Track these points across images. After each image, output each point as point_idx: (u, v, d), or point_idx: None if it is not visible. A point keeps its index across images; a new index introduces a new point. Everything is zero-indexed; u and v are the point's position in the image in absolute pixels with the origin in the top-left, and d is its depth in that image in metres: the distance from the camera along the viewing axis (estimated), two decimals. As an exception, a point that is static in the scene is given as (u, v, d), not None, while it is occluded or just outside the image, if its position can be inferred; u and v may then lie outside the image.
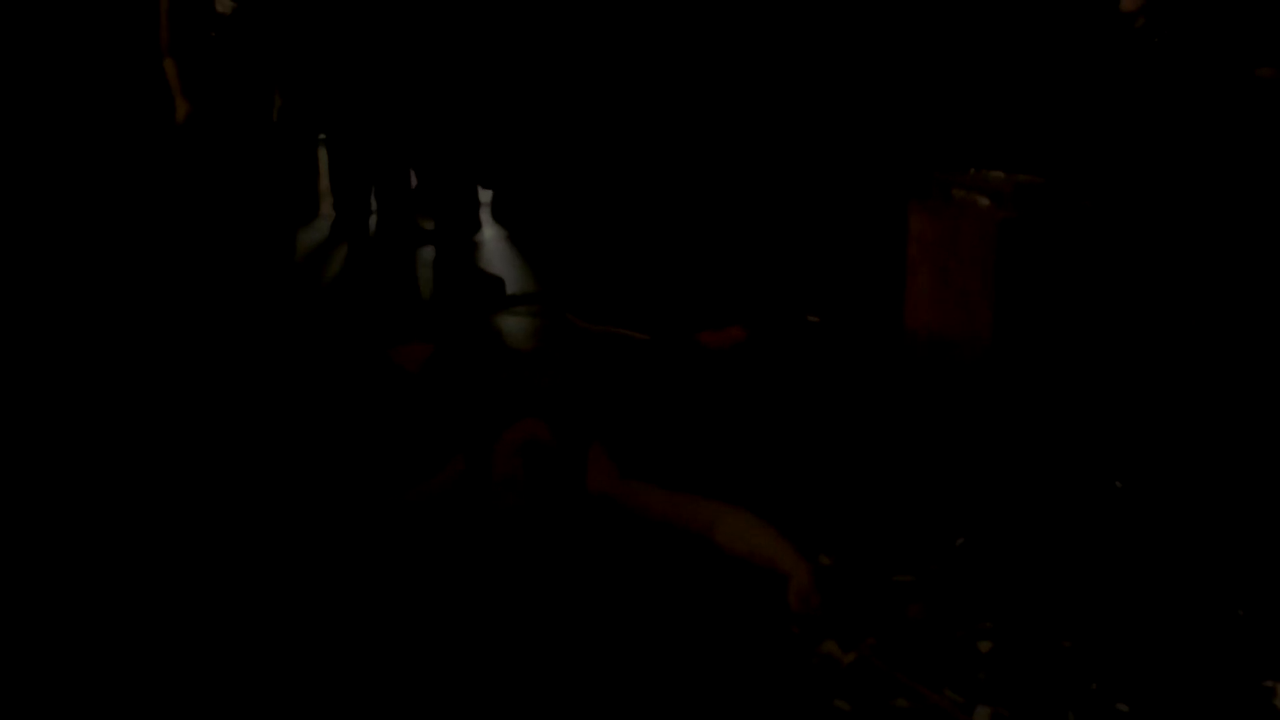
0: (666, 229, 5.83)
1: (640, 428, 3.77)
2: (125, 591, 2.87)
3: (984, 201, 4.57)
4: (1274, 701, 2.44)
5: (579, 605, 2.81)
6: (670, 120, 5.91)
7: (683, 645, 2.66)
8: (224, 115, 5.06)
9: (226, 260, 5.21)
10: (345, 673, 2.56)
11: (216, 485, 3.41)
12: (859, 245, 5.33)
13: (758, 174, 5.74)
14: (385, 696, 2.49)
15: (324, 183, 6.72)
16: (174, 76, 4.99)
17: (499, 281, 5.52)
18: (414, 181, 5.88)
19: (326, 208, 6.69)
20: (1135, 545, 3.08)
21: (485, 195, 7.05)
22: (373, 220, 6.04)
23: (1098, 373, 4.28)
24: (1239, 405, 4.00)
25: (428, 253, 5.77)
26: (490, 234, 6.77)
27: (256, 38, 5.08)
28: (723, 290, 5.21)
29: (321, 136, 6.45)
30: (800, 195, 5.61)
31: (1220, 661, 2.58)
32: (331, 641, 2.67)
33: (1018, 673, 2.55)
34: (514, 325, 5.10)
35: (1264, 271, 4.59)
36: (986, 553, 3.05)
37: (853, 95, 5.59)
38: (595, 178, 6.21)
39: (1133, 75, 4.73)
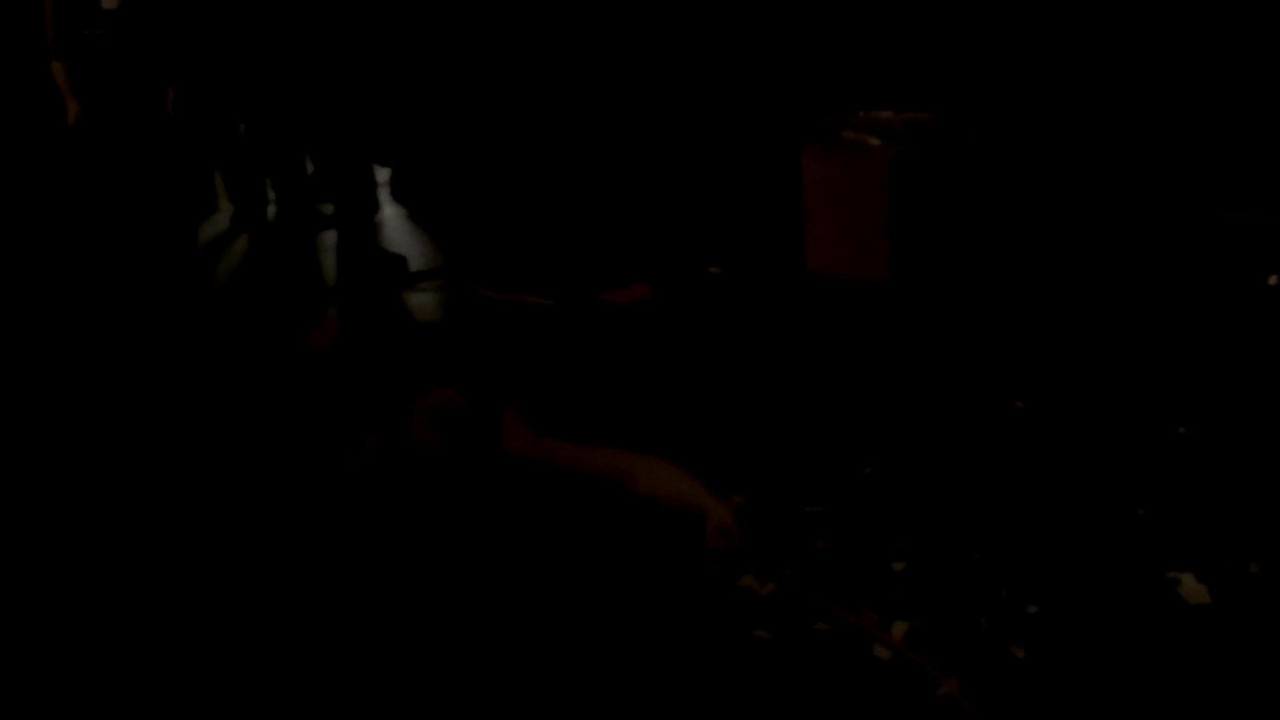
0: (560, 194, 5.85)
1: (552, 388, 3.80)
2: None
3: (875, 141, 4.64)
4: (1178, 591, 2.52)
5: (503, 560, 2.83)
6: (555, 87, 5.92)
7: (604, 590, 2.69)
8: (117, 112, 4.99)
9: (127, 257, 5.15)
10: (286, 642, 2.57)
11: (137, 480, 3.40)
12: (756, 193, 5.38)
13: (647, 131, 5.77)
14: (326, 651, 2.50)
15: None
16: (63, 78, 4.91)
17: (402, 260, 5.51)
18: (309, 168, 5.85)
19: (225, 201, 6.62)
20: (1038, 460, 3.16)
21: (383, 175, 7.01)
22: (271, 209, 6.01)
23: (995, 300, 4.36)
24: (1127, 323, 4.10)
25: (330, 237, 5.75)
26: (390, 213, 6.75)
27: (146, 32, 5.01)
28: (624, 249, 5.24)
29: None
30: (692, 149, 5.64)
31: (1124, 559, 2.66)
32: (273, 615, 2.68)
33: (931, 587, 2.61)
34: (421, 301, 5.10)
35: (1142, 193, 4.71)
36: (895, 478, 3.11)
37: (734, 45, 5.63)
38: (489, 150, 6.20)
39: (1011, 7, 4.82)
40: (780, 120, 5.29)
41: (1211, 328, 3.92)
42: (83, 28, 4.91)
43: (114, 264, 5.15)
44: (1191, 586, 2.55)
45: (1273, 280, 4.09)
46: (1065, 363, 3.76)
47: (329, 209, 5.96)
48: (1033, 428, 3.34)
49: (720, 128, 5.60)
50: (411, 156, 6.79)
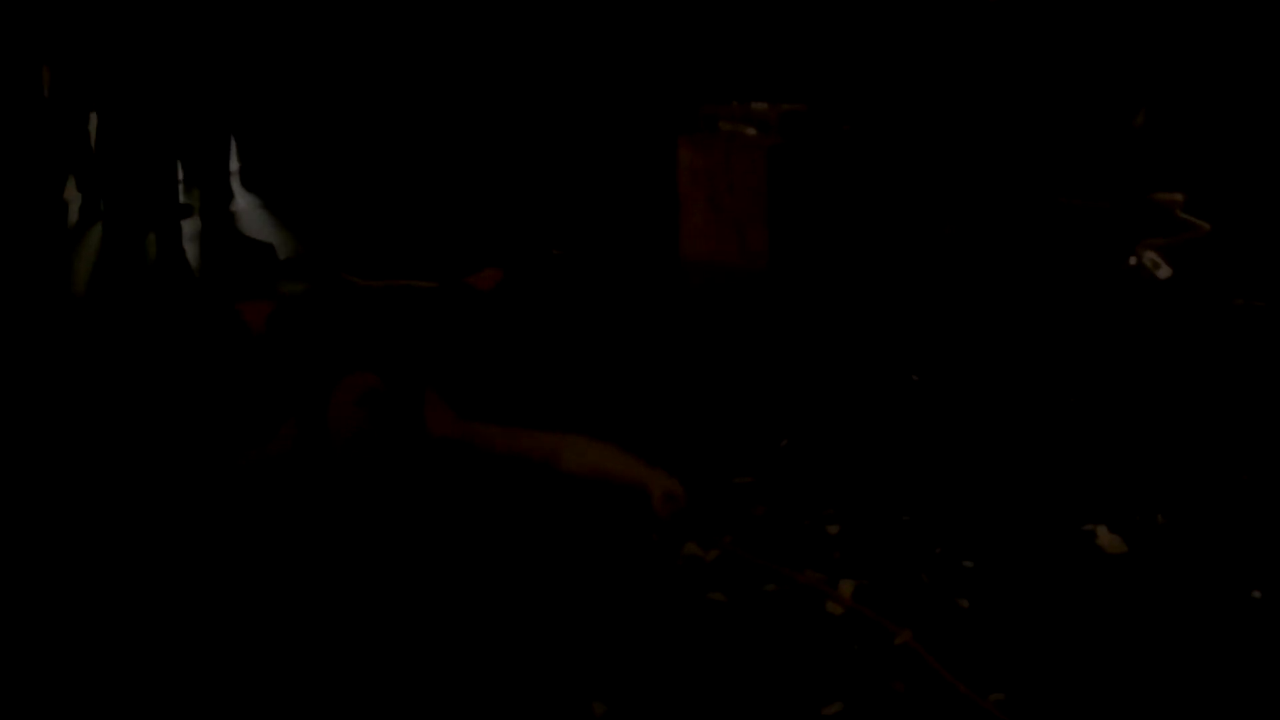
0: (420, 179, 5.84)
1: (457, 371, 3.83)
2: None
3: (751, 131, 4.80)
4: (1096, 543, 2.74)
5: (439, 545, 2.88)
6: (414, 68, 5.94)
7: (549, 570, 2.76)
8: None
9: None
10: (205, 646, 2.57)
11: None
12: (628, 181, 5.48)
13: (512, 115, 5.82)
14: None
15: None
16: None
17: (270, 247, 5.46)
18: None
19: (71, 190, 6.44)
20: (942, 427, 3.35)
21: (233, 164, 6.90)
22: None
23: (871, 284, 4.56)
24: (995, 302, 4.34)
25: (189, 226, 5.65)
26: (244, 203, 6.66)
27: (19, 13, 4.87)
28: (477, 233, 5.26)
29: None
30: (561, 136, 5.72)
31: (1044, 513, 2.86)
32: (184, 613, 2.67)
33: (868, 548, 2.77)
34: (295, 289, 5.06)
35: (1004, 182, 4.97)
36: (811, 449, 3.26)
37: (612, 32, 5.73)
38: (347, 133, 6.17)
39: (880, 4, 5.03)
40: (656, 109, 5.41)
41: (1078, 306, 4.19)
42: None
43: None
44: (1107, 537, 2.76)
45: (1132, 262, 4.39)
46: (943, 341, 3.97)
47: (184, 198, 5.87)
48: (930, 398, 3.54)
49: (594, 115, 5.70)
50: (271, 144, 6.71)
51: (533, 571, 2.72)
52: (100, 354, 4.34)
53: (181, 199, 5.92)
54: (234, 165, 6.87)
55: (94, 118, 5.72)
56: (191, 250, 5.48)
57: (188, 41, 4.95)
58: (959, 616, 2.51)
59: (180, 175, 5.82)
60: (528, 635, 2.50)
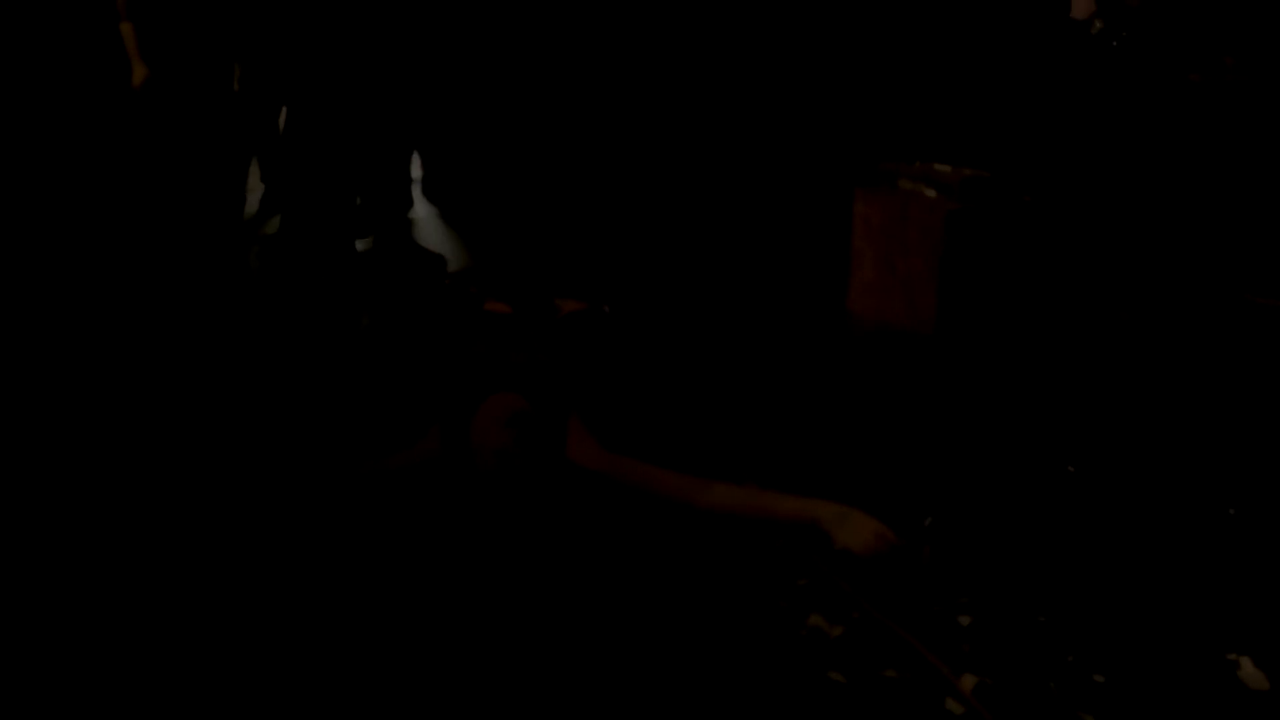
0: (589, 203, 5.89)
1: (607, 400, 3.85)
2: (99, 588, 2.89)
3: (930, 193, 4.74)
4: (1237, 674, 2.63)
5: (556, 578, 2.90)
6: (611, 100, 6.00)
7: (672, 624, 2.77)
8: (183, 82, 5.04)
9: (171, 231, 5.19)
10: (331, 655, 2.63)
11: (196, 472, 3.43)
12: (802, 229, 5.47)
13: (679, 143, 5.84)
14: (373, 681, 2.57)
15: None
16: (131, 40, 4.94)
17: (441, 259, 5.57)
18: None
19: (254, 179, 6.67)
20: (1094, 526, 3.26)
21: (416, 172, 7.07)
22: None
23: (1039, 362, 4.46)
24: (1172, 396, 4.21)
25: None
26: (422, 211, 6.81)
27: (218, 3, 5.07)
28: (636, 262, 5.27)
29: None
30: (739, 179, 5.73)
31: (1187, 635, 2.76)
32: (320, 626, 2.74)
33: (998, 645, 2.71)
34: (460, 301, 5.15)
35: (1195, 262, 4.82)
36: (955, 531, 3.20)
37: (800, 84, 5.72)
38: (523, 151, 6.26)
39: (1078, 77, 4.93)
40: (835, 160, 5.39)
41: (1256, 410, 4.04)
42: None
43: (157, 237, 5.19)
44: (1250, 671, 2.65)
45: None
46: (1111, 431, 3.87)
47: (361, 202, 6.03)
48: (1085, 492, 3.44)
49: (774, 159, 5.71)
50: (448, 152, 6.86)
51: (648, 629, 2.73)
52: (260, 341, 4.49)
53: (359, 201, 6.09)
54: (416, 174, 7.05)
55: (284, 113, 5.93)
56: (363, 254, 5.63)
57: (373, 46, 5.08)
58: (1083, 732, 2.44)
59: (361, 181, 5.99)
60: (632, 701, 2.51)
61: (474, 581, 2.87)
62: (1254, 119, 5.46)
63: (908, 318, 4.69)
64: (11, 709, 2.44)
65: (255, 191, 6.61)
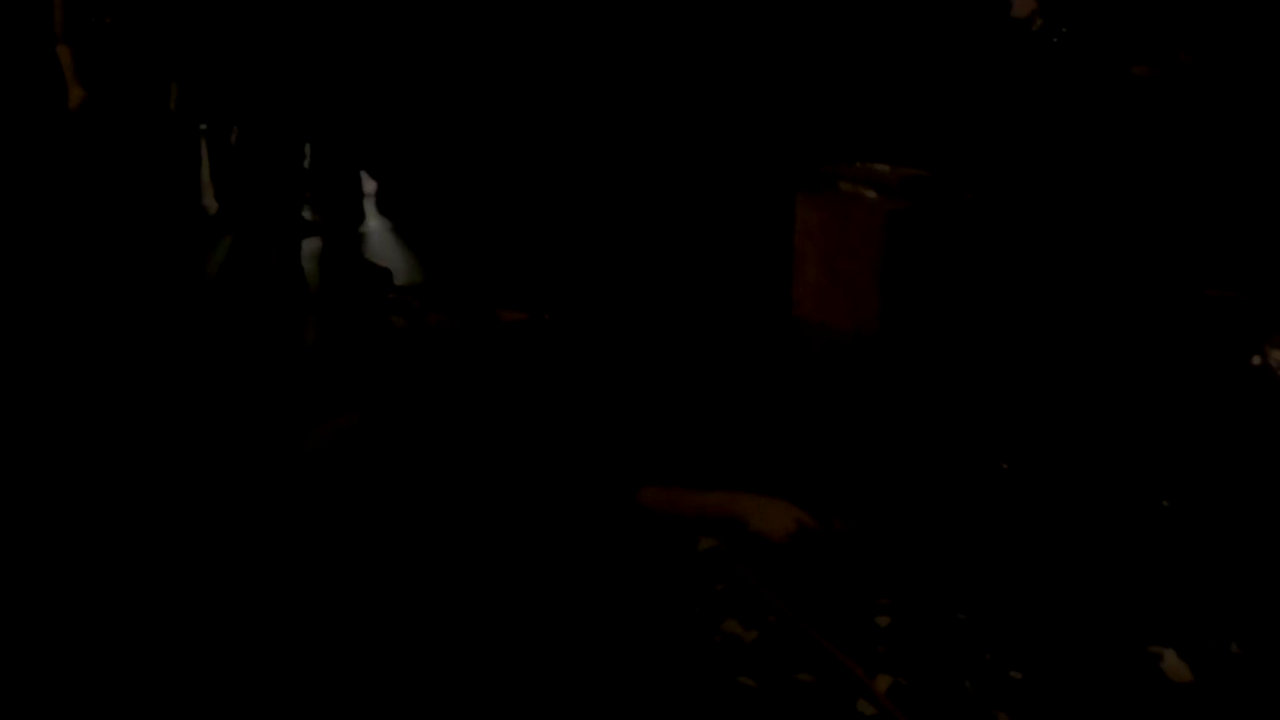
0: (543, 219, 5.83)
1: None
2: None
3: (871, 194, 4.67)
4: (1160, 667, 2.54)
5: (480, 583, 2.81)
6: (553, 111, 5.94)
7: (583, 633, 2.68)
8: (120, 103, 4.96)
9: (116, 250, 5.12)
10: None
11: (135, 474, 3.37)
12: (742, 236, 5.40)
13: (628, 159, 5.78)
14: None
15: (204, 174, 6.61)
16: (68, 62, 4.87)
17: (387, 272, 5.49)
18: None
19: (208, 199, 6.59)
20: (1023, 523, 3.17)
21: (369, 186, 7.00)
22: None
23: (982, 360, 4.38)
24: (1113, 392, 4.13)
25: (312, 244, 5.73)
26: (375, 225, 6.73)
27: (155, 24, 4.98)
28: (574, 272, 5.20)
29: (204, 127, 6.33)
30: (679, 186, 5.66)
31: (1108, 630, 2.68)
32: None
33: (916, 645, 2.62)
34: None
35: (1132, 265, 4.76)
36: (877, 532, 3.12)
37: (735, 89, 5.66)
38: (475, 167, 6.20)
39: (1020, 73, 4.87)
40: (777, 165, 5.32)
41: (1195, 402, 3.96)
42: (91, 14, 4.88)
43: (102, 256, 5.11)
44: (1173, 663, 2.57)
45: (1256, 360, 4.14)
46: (1050, 427, 3.79)
47: (312, 216, 5.96)
48: (1017, 491, 3.36)
49: (718, 167, 5.64)
50: (399, 168, 6.79)
51: (559, 636, 2.65)
52: (209, 350, 4.43)
53: (310, 217, 6.03)
54: (370, 188, 6.98)
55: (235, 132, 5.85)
56: (312, 267, 5.56)
57: (320, 62, 5.01)
58: (996, 732, 2.35)
59: (310, 195, 5.93)
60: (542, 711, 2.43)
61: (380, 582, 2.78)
62: (1209, 114, 5.41)
63: (851, 319, 4.62)
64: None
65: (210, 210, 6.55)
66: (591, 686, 2.48)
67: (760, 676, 2.51)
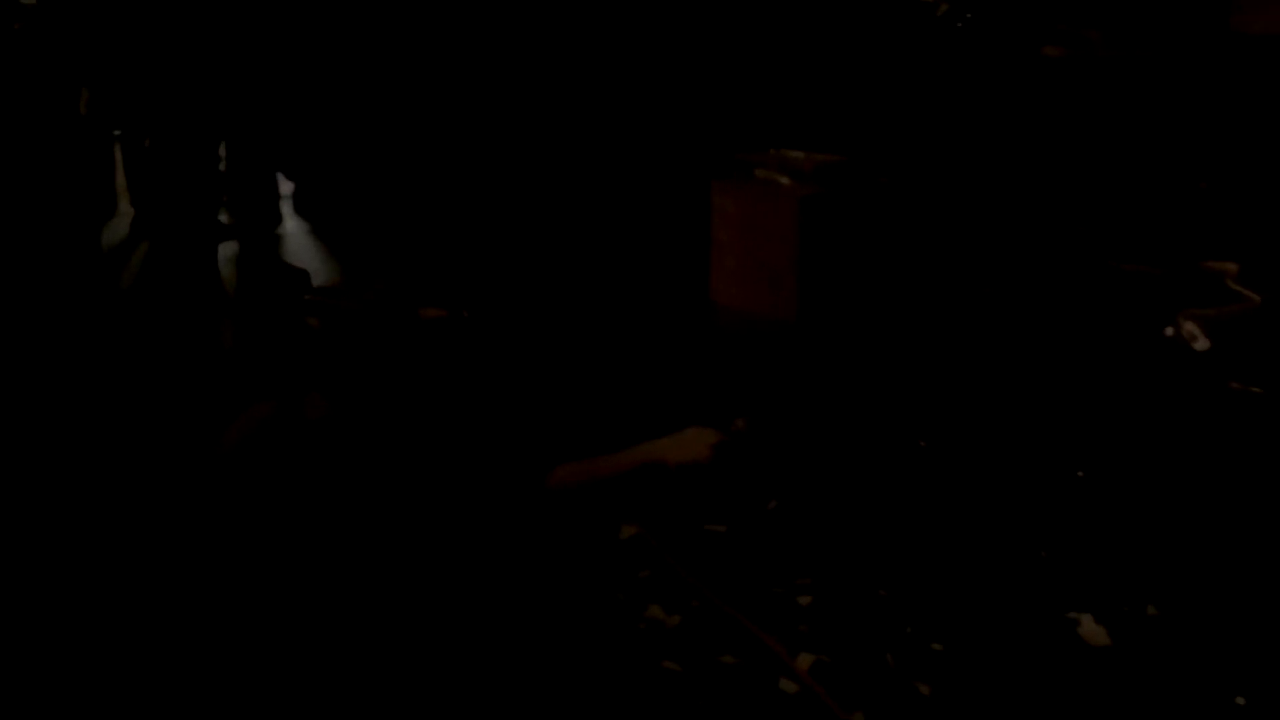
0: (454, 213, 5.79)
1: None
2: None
3: (785, 180, 4.67)
4: (1078, 632, 2.56)
5: (405, 575, 2.78)
6: (468, 108, 5.90)
7: (508, 622, 2.66)
8: (29, 108, 4.86)
9: (28, 254, 5.01)
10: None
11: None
12: (660, 224, 5.39)
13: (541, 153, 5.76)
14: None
15: (120, 179, 6.50)
16: None
17: (304, 274, 5.42)
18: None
19: (124, 205, 6.48)
20: (941, 499, 3.19)
21: (286, 188, 6.90)
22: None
23: (899, 341, 4.40)
24: (1029, 367, 4.17)
25: (229, 247, 5.65)
26: (292, 226, 6.64)
27: (63, 30, 4.88)
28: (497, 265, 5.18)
29: (118, 132, 6.22)
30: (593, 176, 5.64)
31: (1026, 598, 2.70)
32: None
33: (837, 623, 2.62)
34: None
35: (1046, 243, 4.80)
36: (801, 512, 3.12)
37: (648, 77, 5.65)
38: (388, 167, 6.15)
39: (929, 59, 4.90)
40: (691, 154, 5.32)
41: (1111, 375, 4.01)
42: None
43: (11, 263, 5.01)
44: (1090, 628, 2.59)
45: (1169, 332, 4.19)
46: (969, 404, 3.81)
47: (228, 219, 5.88)
48: (936, 467, 3.38)
49: (632, 158, 5.62)
50: (316, 169, 6.71)
51: (485, 626, 2.62)
52: (126, 356, 4.35)
53: (225, 220, 5.94)
54: (287, 189, 6.89)
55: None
56: (229, 270, 5.47)
57: (230, 64, 4.94)
58: (917, 703, 2.36)
59: (226, 198, 5.85)
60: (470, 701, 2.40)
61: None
62: (1121, 92, 5.48)
63: (770, 305, 4.62)
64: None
65: (126, 216, 6.44)
66: (516, 677, 2.46)
67: (684, 660, 2.50)
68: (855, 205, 4.63)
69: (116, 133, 6.34)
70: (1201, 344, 4.11)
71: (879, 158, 4.88)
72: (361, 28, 5.91)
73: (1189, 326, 4.21)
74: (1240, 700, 2.33)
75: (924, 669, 2.45)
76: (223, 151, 5.61)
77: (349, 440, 3.00)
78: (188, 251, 5.43)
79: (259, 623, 2.60)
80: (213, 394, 3.90)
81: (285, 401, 2.89)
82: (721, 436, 3.00)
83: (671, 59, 5.70)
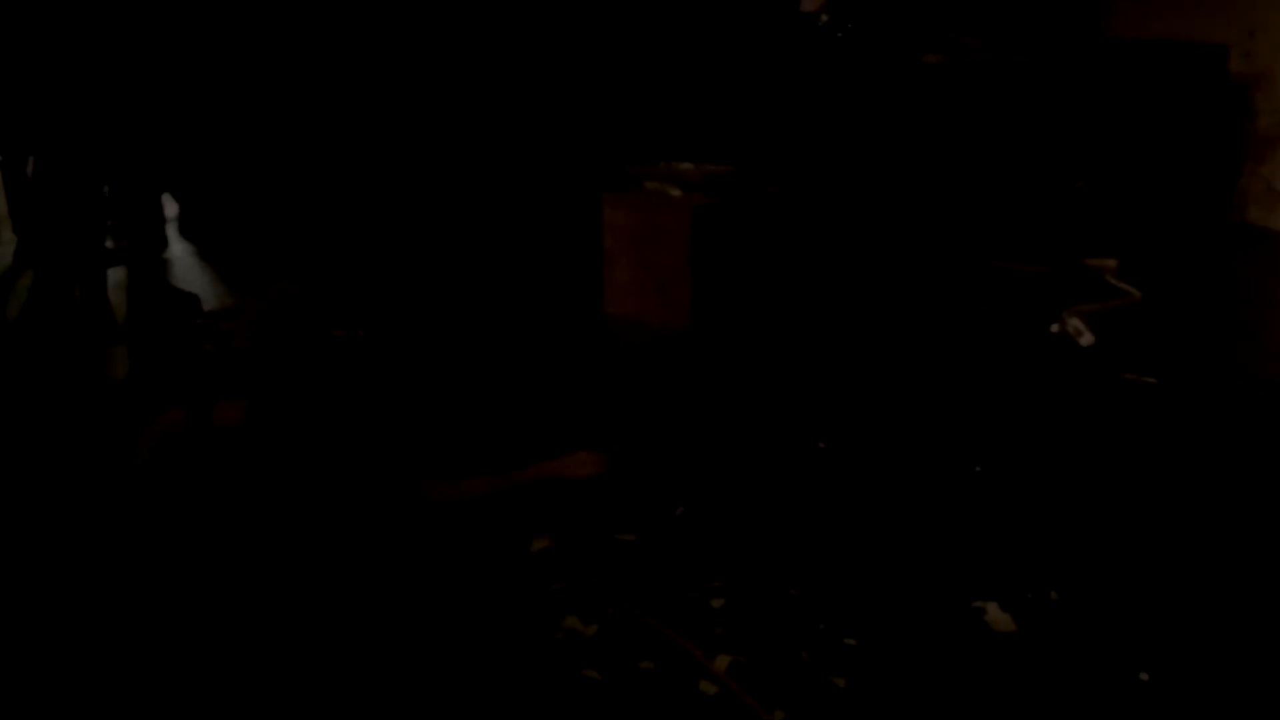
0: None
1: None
2: None
3: (676, 191, 4.71)
4: (984, 619, 2.62)
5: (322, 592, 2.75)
6: (349, 127, 5.86)
7: (426, 637, 2.64)
8: None
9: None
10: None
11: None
12: (552, 238, 5.39)
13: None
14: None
15: (1, 207, 6.32)
16: None
17: (195, 298, 5.32)
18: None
19: (6, 233, 6.30)
20: (843, 498, 3.24)
21: (170, 211, 6.76)
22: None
23: (792, 345, 4.45)
24: (921, 366, 4.24)
25: (117, 273, 5.52)
26: (179, 250, 6.51)
27: None
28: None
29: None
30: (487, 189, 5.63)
31: (933, 590, 2.75)
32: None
33: (751, 623, 2.65)
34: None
35: (935, 245, 4.89)
36: (708, 516, 3.14)
37: (537, 91, 5.65)
38: (274, 187, 6.07)
39: (812, 69, 4.96)
40: (582, 168, 5.32)
41: (1001, 372, 4.09)
42: None
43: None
44: (996, 615, 2.65)
45: (1056, 328, 4.30)
46: (865, 404, 3.87)
47: (113, 244, 5.75)
48: (836, 467, 3.42)
49: (523, 173, 5.62)
50: (201, 190, 6.59)
51: (404, 640, 2.60)
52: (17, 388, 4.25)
53: (111, 245, 5.81)
54: (172, 212, 6.75)
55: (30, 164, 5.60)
56: (119, 297, 5.35)
57: (112, 86, 4.83)
58: (834, 697, 2.39)
59: (111, 222, 5.71)
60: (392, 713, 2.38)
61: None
62: (999, 96, 5.60)
63: (663, 314, 4.65)
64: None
65: (9, 244, 6.26)
66: (436, 689, 2.44)
67: (603, 668, 2.50)
68: (745, 214, 4.68)
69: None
70: (1087, 339, 4.23)
71: (767, 167, 4.94)
72: (247, 47, 5.83)
73: (1074, 322, 4.33)
74: (1144, 676, 2.41)
75: (838, 663, 2.49)
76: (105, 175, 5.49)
77: (256, 447, 2.96)
78: (74, 278, 5.30)
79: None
80: (108, 420, 3.82)
81: (193, 410, 2.84)
82: (602, 457, 3.23)
83: (559, 74, 5.71)
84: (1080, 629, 2.59)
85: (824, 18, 5.02)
